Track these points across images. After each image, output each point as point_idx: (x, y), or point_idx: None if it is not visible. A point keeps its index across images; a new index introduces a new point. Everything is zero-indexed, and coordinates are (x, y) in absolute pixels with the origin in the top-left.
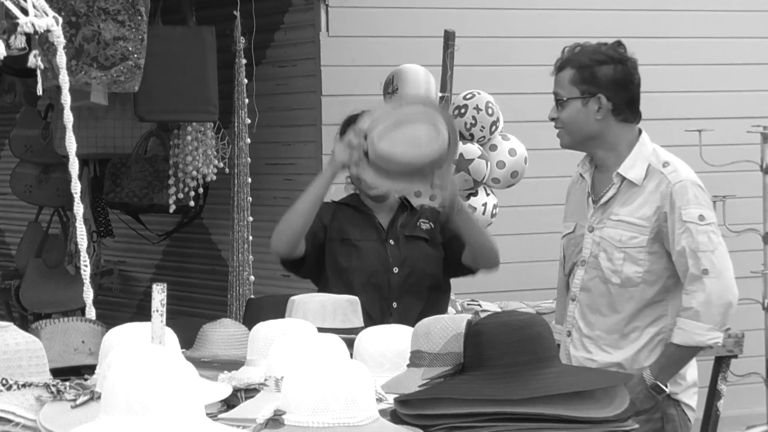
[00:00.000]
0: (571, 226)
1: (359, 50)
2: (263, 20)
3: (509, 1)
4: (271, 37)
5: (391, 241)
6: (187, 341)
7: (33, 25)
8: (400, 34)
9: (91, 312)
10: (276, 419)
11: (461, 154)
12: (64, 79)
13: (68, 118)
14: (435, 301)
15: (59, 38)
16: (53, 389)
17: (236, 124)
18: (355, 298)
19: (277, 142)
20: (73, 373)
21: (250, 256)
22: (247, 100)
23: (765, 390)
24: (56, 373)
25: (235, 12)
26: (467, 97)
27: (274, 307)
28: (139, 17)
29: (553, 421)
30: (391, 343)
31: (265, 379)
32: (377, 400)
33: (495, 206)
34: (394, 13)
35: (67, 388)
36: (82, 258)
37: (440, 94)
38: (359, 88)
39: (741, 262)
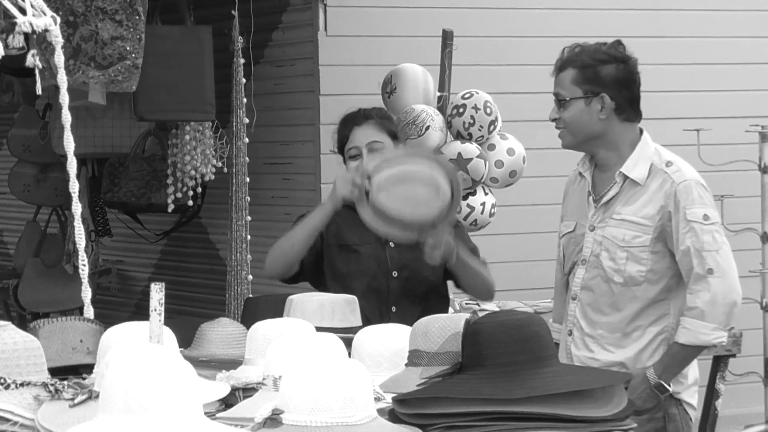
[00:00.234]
0: (571, 225)
1: (357, 50)
2: (261, 20)
3: (507, 0)
4: (269, 37)
5: (391, 244)
6: (186, 340)
7: (31, 24)
8: (399, 33)
9: (89, 311)
10: (274, 418)
11: (460, 154)
12: (62, 79)
13: (66, 117)
14: (434, 305)
15: (57, 38)
16: (51, 388)
17: (234, 123)
18: (353, 298)
19: (275, 141)
20: (72, 372)
21: (249, 256)
22: (245, 100)
23: (763, 389)
24: (54, 372)
25: (233, 11)
26: (465, 96)
27: (273, 307)
28: (137, 17)
29: (551, 420)
30: (389, 343)
31: (264, 378)
32: (375, 399)
33: (493, 205)
34: (393, 13)
35: (66, 387)
36: (80, 257)
37: (438, 94)
38: (357, 88)
39: (739, 261)
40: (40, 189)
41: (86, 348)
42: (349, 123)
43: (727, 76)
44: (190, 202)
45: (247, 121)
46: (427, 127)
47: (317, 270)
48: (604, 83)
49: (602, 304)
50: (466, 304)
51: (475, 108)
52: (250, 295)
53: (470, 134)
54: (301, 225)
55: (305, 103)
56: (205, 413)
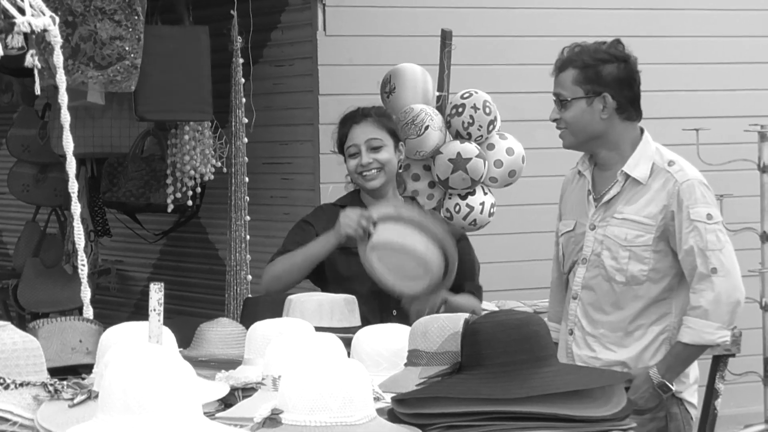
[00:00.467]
0: (571, 224)
1: (356, 49)
2: (260, 19)
3: (507, 0)
4: (268, 37)
5: None
6: (185, 340)
7: (30, 24)
8: (397, 33)
9: (88, 311)
10: (273, 418)
11: (459, 153)
12: (61, 79)
13: (65, 117)
14: None
15: (56, 38)
16: (51, 388)
17: (233, 123)
18: (353, 298)
19: (275, 141)
20: (71, 373)
21: (248, 256)
22: (244, 100)
23: (762, 389)
24: (54, 372)
25: (232, 11)
26: (464, 96)
27: (272, 306)
28: (136, 17)
29: (550, 420)
30: (389, 342)
31: (263, 378)
32: (374, 399)
33: (492, 205)
34: (391, 13)
35: (65, 387)
36: (79, 257)
37: (437, 93)
38: (356, 88)
39: (739, 261)
40: (40, 189)
41: (85, 348)
42: (348, 121)
43: (726, 75)
44: (190, 202)
45: (246, 120)
46: (426, 127)
47: (318, 272)
48: (606, 83)
49: (604, 303)
50: None
51: (474, 108)
52: (249, 295)
53: (469, 134)
54: (303, 252)
55: (304, 102)
56: (205, 413)
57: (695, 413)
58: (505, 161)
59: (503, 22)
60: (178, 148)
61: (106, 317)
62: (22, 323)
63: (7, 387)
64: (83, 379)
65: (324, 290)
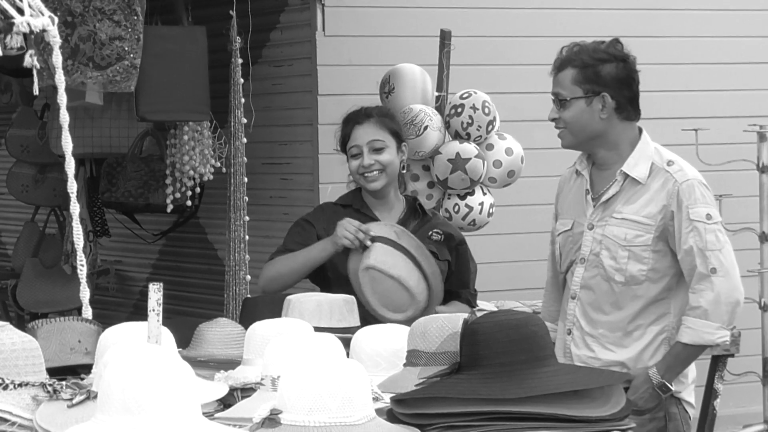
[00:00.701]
0: (568, 224)
1: (355, 50)
2: (259, 20)
3: (506, 0)
4: (267, 37)
5: None
6: (184, 340)
7: (29, 24)
8: (397, 33)
9: (87, 311)
10: (272, 418)
11: (458, 153)
12: (60, 79)
13: (64, 117)
14: None
15: (55, 38)
16: (50, 389)
17: (232, 123)
18: (352, 298)
19: (274, 141)
20: (70, 373)
21: (247, 256)
22: (243, 100)
23: (761, 389)
24: (53, 372)
25: (231, 11)
26: (464, 96)
27: (271, 307)
28: (135, 17)
29: (549, 420)
30: (388, 343)
31: (262, 379)
32: (373, 399)
33: (492, 205)
34: (391, 13)
35: (64, 387)
36: (78, 257)
37: (437, 94)
38: (355, 88)
39: (738, 261)
40: (39, 189)
41: (84, 348)
42: (351, 121)
43: (725, 75)
44: (189, 203)
45: (245, 121)
46: (426, 127)
47: (320, 272)
48: (605, 82)
49: (603, 303)
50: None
51: (474, 108)
52: (249, 296)
53: (468, 134)
54: (301, 256)
55: (303, 103)
56: (204, 413)
57: (693, 413)
58: (504, 161)
59: (502, 22)
60: (178, 148)
61: (105, 317)
62: (21, 323)
63: (6, 387)
64: (82, 379)
65: (326, 291)
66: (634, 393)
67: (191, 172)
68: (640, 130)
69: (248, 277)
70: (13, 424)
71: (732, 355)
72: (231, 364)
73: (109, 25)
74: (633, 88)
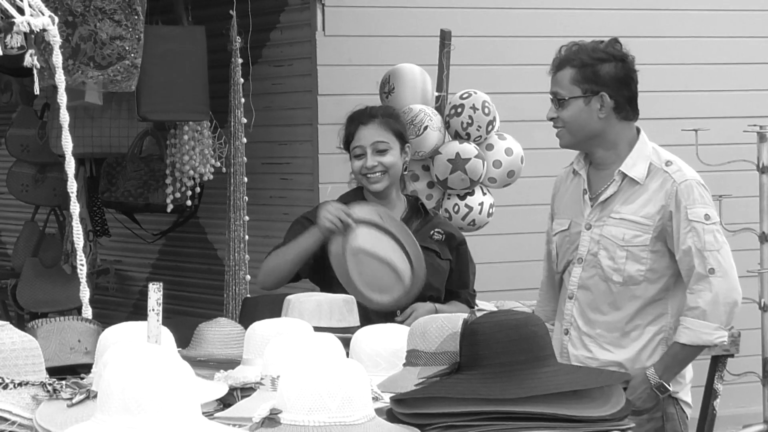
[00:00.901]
0: (565, 223)
1: (355, 50)
2: (259, 19)
3: (506, 0)
4: (267, 37)
5: None
6: (184, 340)
7: (29, 24)
8: (396, 33)
9: (87, 311)
10: (272, 418)
11: (458, 154)
12: (60, 79)
13: (64, 117)
14: None
15: (55, 37)
16: (49, 388)
17: (232, 123)
18: (352, 298)
19: (274, 141)
20: (70, 372)
21: (247, 256)
22: (243, 100)
23: (761, 389)
24: (52, 372)
25: (231, 11)
26: (463, 96)
27: (271, 306)
28: (136, 16)
29: (549, 420)
30: (387, 343)
31: (262, 378)
32: (373, 399)
33: (491, 206)
34: (390, 13)
35: (64, 387)
36: (78, 257)
37: (436, 94)
38: (355, 88)
39: (737, 261)
40: (39, 189)
41: (84, 348)
42: (355, 121)
43: (725, 76)
44: (189, 202)
45: (245, 121)
46: (425, 127)
47: (317, 272)
48: (604, 82)
49: (601, 303)
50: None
51: (473, 108)
52: (248, 295)
53: (468, 134)
54: (293, 245)
55: (303, 103)
56: (203, 413)
57: (690, 413)
58: (504, 161)
59: (502, 22)
60: (178, 148)
61: (105, 317)
62: (20, 323)
63: (6, 387)
64: (82, 378)
65: (330, 291)
66: (632, 393)
67: (191, 172)
68: (638, 130)
69: (248, 276)
70: (13, 423)
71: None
72: (231, 363)
73: (109, 25)
74: (632, 88)
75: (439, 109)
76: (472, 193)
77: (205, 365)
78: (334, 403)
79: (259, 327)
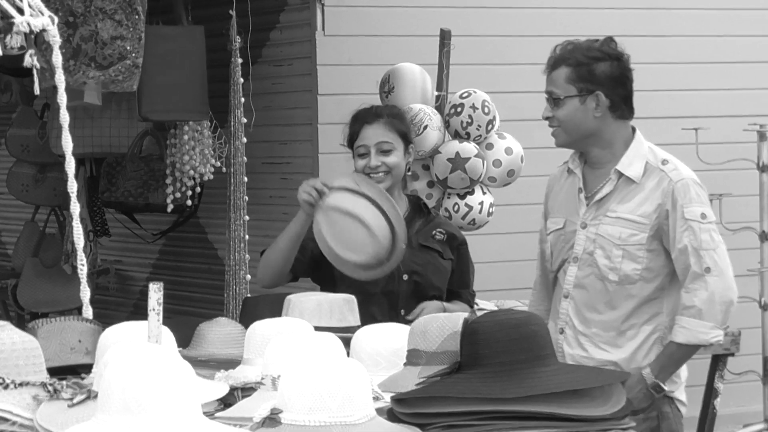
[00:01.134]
0: (560, 222)
1: (355, 49)
2: (259, 19)
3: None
4: (266, 36)
5: (402, 245)
6: (184, 340)
7: (29, 24)
8: (396, 33)
9: (87, 311)
10: (273, 418)
11: (458, 153)
12: (61, 79)
13: (64, 117)
14: None
15: (55, 37)
16: (50, 388)
17: (232, 123)
18: (352, 297)
19: (274, 141)
20: (70, 372)
21: (247, 255)
22: (243, 100)
23: (762, 388)
24: (53, 372)
25: (231, 11)
26: (463, 95)
27: (271, 306)
28: (137, 16)
29: (549, 419)
30: (388, 342)
31: (262, 378)
32: (374, 398)
33: (491, 205)
34: (390, 12)
35: (64, 387)
36: (78, 257)
37: (436, 93)
38: (355, 87)
39: (738, 260)
40: (39, 189)
41: (85, 348)
42: (360, 120)
43: (725, 74)
44: (189, 202)
45: (245, 120)
46: (425, 127)
47: (326, 272)
48: (599, 81)
49: (597, 302)
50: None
51: (473, 107)
52: (249, 295)
53: (468, 133)
54: (282, 234)
55: (303, 102)
56: (204, 413)
57: (685, 411)
58: (504, 161)
59: (502, 21)
60: (178, 148)
61: (106, 317)
62: (21, 323)
63: (6, 387)
64: (82, 378)
65: (333, 290)
66: (628, 393)
67: (191, 172)
68: (633, 129)
69: (248, 276)
70: (14, 423)
71: (732, 354)
72: (231, 363)
73: (110, 25)
74: (627, 87)
75: (439, 108)
76: (472, 193)
77: (206, 365)
78: (334, 402)
79: (260, 327)
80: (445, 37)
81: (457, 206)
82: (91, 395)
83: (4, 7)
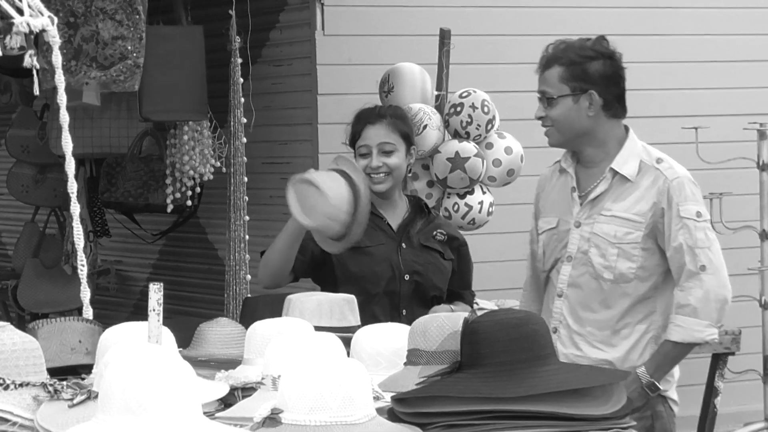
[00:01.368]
0: (553, 221)
1: (355, 49)
2: (259, 19)
3: None
4: (266, 36)
5: (404, 245)
6: (184, 340)
7: (28, 24)
8: (396, 32)
9: (88, 311)
10: (273, 418)
11: (457, 152)
12: (60, 79)
13: (64, 118)
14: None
15: (54, 38)
16: (50, 389)
17: (232, 123)
18: (352, 297)
19: (273, 141)
20: (71, 373)
21: (247, 255)
22: (243, 99)
23: (762, 387)
24: (53, 372)
25: (230, 11)
26: (463, 95)
27: (271, 306)
28: (137, 16)
29: (550, 418)
30: (388, 342)
31: (262, 378)
32: (374, 398)
33: (491, 204)
34: (390, 12)
35: (65, 387)
36: (78, 258)
37: (436, 93)
38: (355, 87)
39: (738, 259)
40: (39, 190)
41: (85, 348)
42: (363, 120)
43: (725, 73)
44: (189, 203)
45: (245, 120)
46: (425, 126)
47: (328, 272)
48: (592, 80)
49: (591, 301)
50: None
51: (473, 107)
52: (249, 295)
53: (468, 133)
54: (281, 234)
55: (303, 102)
56: (204, 413)
57: (677, 409)
58: (504, 160)
59: (502, 21)
60: (178, 148)
61: (106, 317)
62: (21, 324)
63: (6, 387)
64: (83, 379)
65: (334, 290)
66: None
67: (191, 172)
68: (627, 128)
69: (248, 276)
70: (14, 424)
71: (732, 353)
72: (231, 363)
73: (111, 25)
74: (620, 85)
75: (439, 107)
76: (471, 192)
77: (206, 365)
78: (335, 402)
79: (260, 327)
80: (444, 36)
81: (456, 206)
82: (91, 396)
83: (4, 8)
